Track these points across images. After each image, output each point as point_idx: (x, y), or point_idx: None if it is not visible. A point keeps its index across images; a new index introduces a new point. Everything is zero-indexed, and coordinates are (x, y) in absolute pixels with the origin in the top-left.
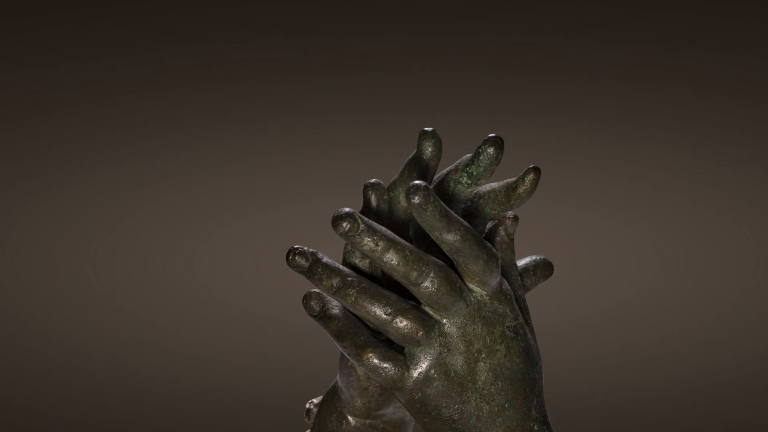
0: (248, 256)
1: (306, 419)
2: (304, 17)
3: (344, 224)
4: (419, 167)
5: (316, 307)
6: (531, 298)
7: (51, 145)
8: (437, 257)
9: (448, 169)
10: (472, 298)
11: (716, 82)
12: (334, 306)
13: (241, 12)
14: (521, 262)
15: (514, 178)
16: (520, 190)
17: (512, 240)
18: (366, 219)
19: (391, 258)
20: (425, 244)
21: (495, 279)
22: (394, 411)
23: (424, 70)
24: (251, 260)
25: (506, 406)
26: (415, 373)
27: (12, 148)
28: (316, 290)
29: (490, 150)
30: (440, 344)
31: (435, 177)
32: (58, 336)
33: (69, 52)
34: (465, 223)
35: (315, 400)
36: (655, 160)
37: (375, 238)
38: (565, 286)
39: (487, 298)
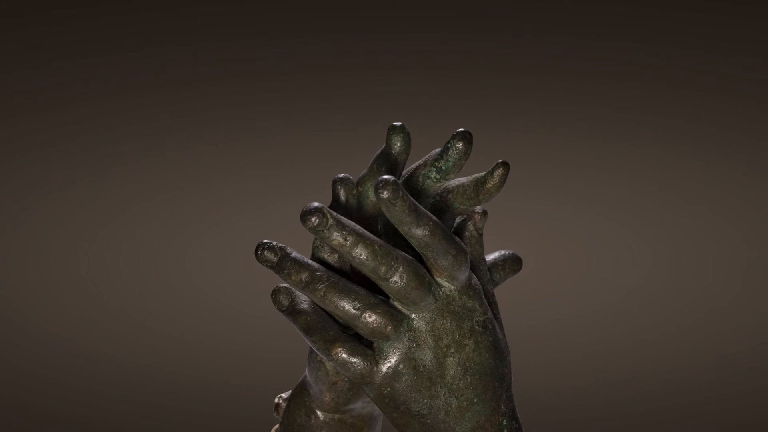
0: (240, 254)
1: (275, 414)
2: (283, 15)
3: (313, 219)
4: (388, 162)
5: (285, 302)
6: (524, 296)
7: (41, 145)
8: (406, 252)
9: (417, 163)
10: (440, 293)
11: (710, 80)
12: (303, 301)
13: (229, 10)
14: (490, 257)
15: (482, 173)
16: (489, 184)
17: (481, 235)
18: (335, 214)
19: (360, 253)
20: (394, 238)
21: (464, 274)
22: (362, 406)
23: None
24: (243, 259)
25: (475, 400)
26: (384, 368)
27: (2, 147)
28: (285, 285)
29: (459, 145)
30: (409, 339)
31: (404, 172)
32: (50, 335)
33: (61, 52)
34: (434, 217)
35: (284, 395)
36: (649, 159)
37: (344, 232)
38: (559, 284)
39: (456, 292)
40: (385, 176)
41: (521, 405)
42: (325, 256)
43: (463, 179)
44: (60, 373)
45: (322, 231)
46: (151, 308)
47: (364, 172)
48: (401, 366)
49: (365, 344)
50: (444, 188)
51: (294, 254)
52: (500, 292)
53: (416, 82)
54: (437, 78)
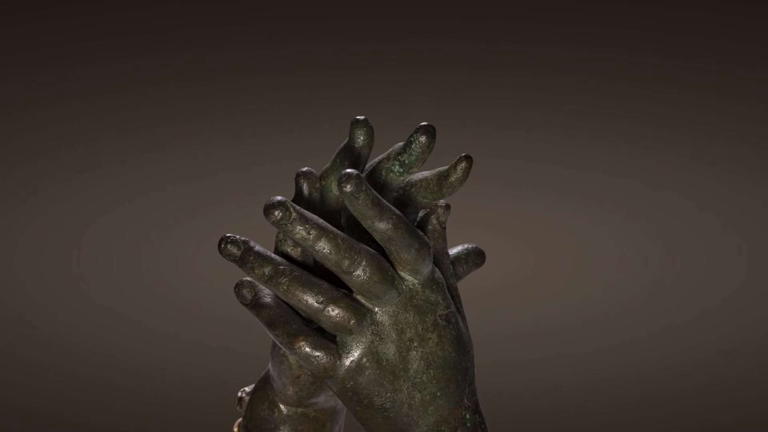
0: None
1: (238, 407)
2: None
3: (276, 212)
4: (351, 156)
5: (248, 296)
6: (512, 294)
7: (30, 144)
8: (369, 246)
9: (380, 157)
10: (404, 287)
11: (700, 78)
12: (266, 294)
13: (229, 9)
14: (453, 251)
15: (446, 167)
16: (452, 178)
17: (444, 228)
18: (298, 207)
19: (323, 246)
20: (357, 232)
21: (427, 267)
22: (326, 399)
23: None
24: None
25: (438, 394)
26: (347, 362)
27: None
28: (248, 279)
29: (422, 138)
30: (372, 333)
31: (367, 165)
32: (42, 334)
33: (54, 50)
34: (397, 211)
35: (247, 389)
36: (640, 158)
37: (307, 226)
38: (549, 284)
39: (419, 286)
40: (348, 170)
41: (510, 403)
42: (289, 249)
43: (426, 173)
44: (52, 372)
45: (285, 225)
46: (142, 307)
47: (327, 165)
48: (364, 360)
49: (328, 338)
50: (407, 182)
51: (257, 248)
52: (489, 291)
53: (382, 78)
54: (407, 75)
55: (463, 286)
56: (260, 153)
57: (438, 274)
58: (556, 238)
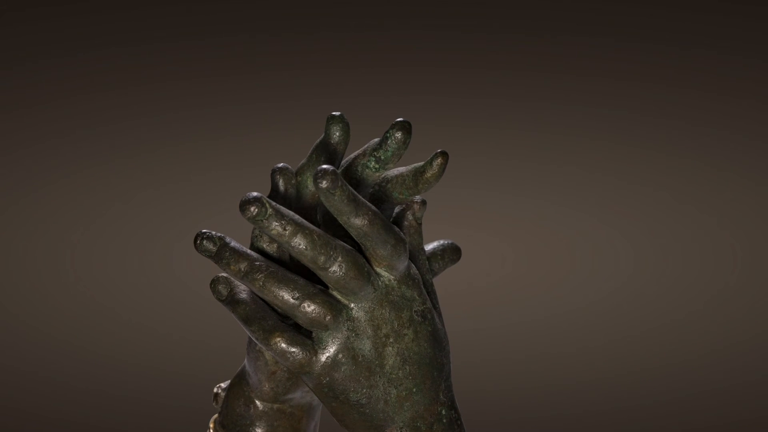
0: None
1: (214, 404)
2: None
3: (252, 209)
4: (327, 152)
5: (224, 292)
6: (507, 294)
7: (25, 143)
8: (345, 242)
9: (355, 153)
10: (379, 283)
11: (699, 78)
12: (242, 291)
13: (220, 7)
14: (429, 247)
15: (421, 163)
16: (428, 174)
17: (420, 224)
18: (274, 203)
19: (299, 242)
20: (333, 228)
21: (403, 263)
22: (302, 395)
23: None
24: None
25: (414, 390)
26: (323, 358)
27: None
28: (224, 275)
29: (398, 134)
30: (348, 329)
31: (343, 161)
32: (38, 333)
33: (49, 48)
34: (373, 207)
35: (223, 385)
36: (634, 157)
37: (283, 222)
38: (542, 283)
39: (395, 282)
40: (324, 166)
41: (506, 402)
42: (264, 245)
43: (402, 169)
44: (48, 372)
45: (261, 221)
46: (138, 306)
47: (303, 161)
48: (340, 356)
49: (304, 334)
50: (383, 178)
51: (233, 244)
52: (483, 291)
53: (370, 78)
54: (403, 75)
55: (457, 286)
56: (255, 152)
57: (414, 270)
58: (551, 237)
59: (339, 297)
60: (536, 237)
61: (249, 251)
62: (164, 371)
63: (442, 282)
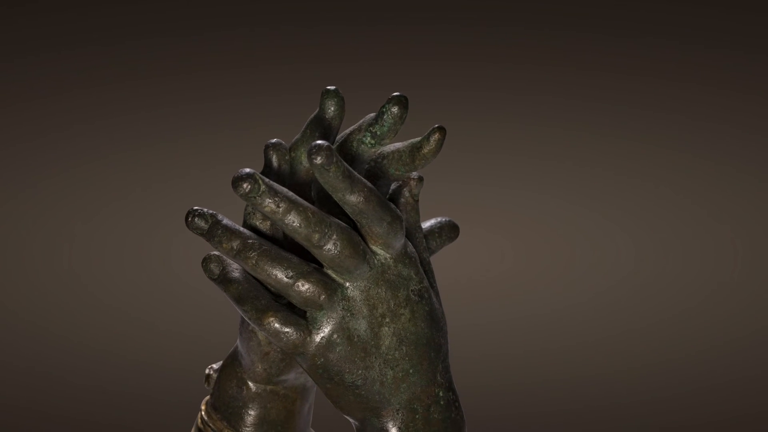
0: None
1: (205, 385)
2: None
3: (245, 185)
4: (321, 127)
5: (216, 270)
6: (507, 289)
7: (22, 137)
8: (340, 219)
9: (351, 128)
10: (375, 261)
11: (702, 73)
12: (235, 269)
13: (215, 1)
14: (426, 224)
15: (418, 138)
16: (425, 150)
17: (417, 201)
18: (267, 180)
19: (293, 220)
20: (328, 205)
21: (399, 241)
22: (295, 377)
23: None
24: None
25: (411, 371)
26: (317, 338)
27: None
28: (216, 253)
29: (394, 109)
30: (343, 308)
31: (338, 137)
32: (35, 328)
33: (45, 42)
34: (368, 184)
35: (215, 366)
36: (635, 152)
37: (276, 199)
38: (543, 277)
39: (391, 260)
40: (319, 141)
41: (505, 397)
42: (257, 223)
43: (398, 144)
44: (45, 367)
45: (254, 197)
46: (136, 301)
47: (297, 137)
48: (335, 336)
49: (298, 314)
50: (379, 154)
51: (225, 221)
52: (482, 285)
53: (371, 72)
54: (403, 68)
55: (456, 281)
56: (255, 147)
57: (410, 248)
58: (551, 232)
59: (334, 276)
60: (536, 232)
61: (241, 229)
62: (163, 367)
63: (440, 277)
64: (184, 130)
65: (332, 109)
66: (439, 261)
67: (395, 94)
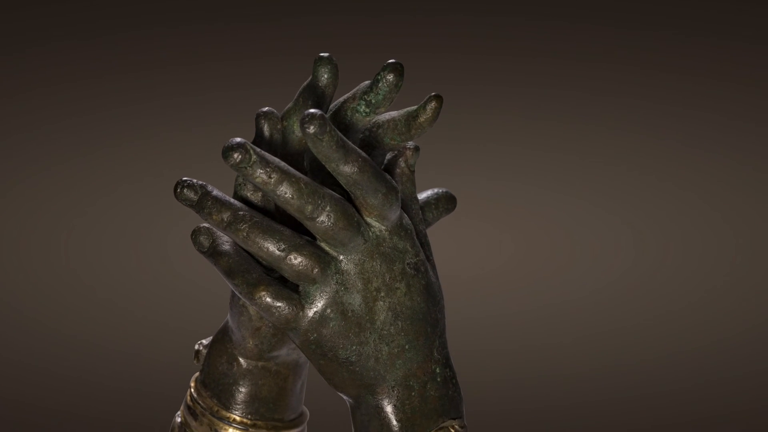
0: None
1: (195, 361)
2: None
3: (235, 155)
4: (314, 95)
5: (206, 243)
6: (506, 282)
7: (18, 129)
8: (334, 190)
9: (345, 96)
10: (370, 234)
11: (705, 66)
12: (225, 242)
13: None
14: (422, 196)
15: (414, 107)
16: (422, 119)
17: (413, 172)
18: (258, 150)
19: (285, 191)
20: (321, 176)
21: (395, 213)
22: (288, 353)
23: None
24: None
25: (407, 347)
26: (311, 313)
27: None
28: (206, 225)
29: (390, 77)
30: (337, 282)
31: (331, 105)
32: (30, 322)
33: (37, 35)
34: (363, 153)
35: (204, 341)
36: (635, 145)
37: (268, 169)
38: (542, 271)
39: (387, 233)
40: (312, 110)
41: (504, 392)
42: (248, 194)
43: (393, 113)
44: (42, 362)
45: (245, 168)
46: (133, 294)
47: (289, 105)
48: (328, 311)
49: (290, 288)
50: (374, 123)
51: (215, 192)
52: (480, 279)
53: (368, 65)
54: (404, 60)
55: (457, 274)
56: (252, 139)
57: (406, 220)
58: (551, 225)
59: (327, 249)
60: (535, 225)
61: (232, 200)
62: (160, 361)
63: (438, 270)
64: (181, 123)
65: (325, 76)
66: (437, 255)
67: (390, 61)
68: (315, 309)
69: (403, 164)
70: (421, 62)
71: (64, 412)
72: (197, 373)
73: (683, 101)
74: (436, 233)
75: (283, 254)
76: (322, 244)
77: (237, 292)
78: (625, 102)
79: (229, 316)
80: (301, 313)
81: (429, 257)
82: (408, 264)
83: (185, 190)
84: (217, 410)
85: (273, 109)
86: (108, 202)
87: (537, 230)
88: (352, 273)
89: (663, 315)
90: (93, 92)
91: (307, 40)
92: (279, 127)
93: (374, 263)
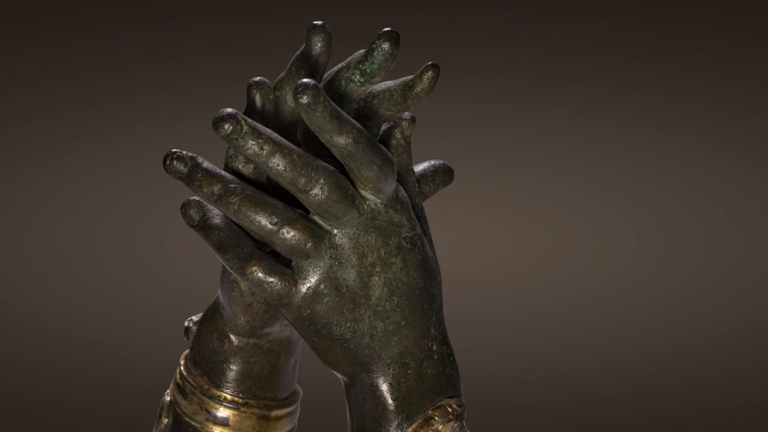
0: None
1: (185, 338)
2: None
3: (226, 126)
4: (308, 64)
5: (196, 216)
6: (507, 277)
7: (14, 123)
8: (327, 162)
9: (339, 66)
10: (365, 207)
11: (707, 58)
12: (216, 215)
13: None
14: (419, 168)
15: (411, 76)
16: (418, 89)
17: (409, 143)
18: (250, 120)
19: (278, 163)
20: (314, 147)
21: (390, 185)
22: (280, 329)
23: None
24: None
25: (402, 324)
26: (304, 288)
27: None
28: (196, 198)
29: (385, 45)
30: (330, 257)
31: (325, 75)
32: (27, 316)
33: (28, 29)
34: (357, 124)
35: (194, 318)
36: (636, 138)
37: (260, 141)
38: (543, 266)
39: (382, 206)
40: (305, 80)
41: (503, 386)
42: (240, 166)
43: (389, 83)
44: (37, 357)
45: (236, 139)
46: (129, 289)
47: (281, 75)
48: (322, 286)
49: (283, 263)
50: (369, 93)
51: (205, 164)
52: (480, 274)
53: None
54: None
55: (457, 269)
56: None
57: (402, 192)
58: (552, 220)
59: (321, 222)
60: (535, 220)
61: (223, 173)
62: (156, 355)
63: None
64: (175, 117)
65: (319, 45)
66: (437, 251)
67: (386, 29)
68: (308, 284)
69: (399, 135)
70: (421, 56)
71: (61, 407)
72: (187, 351)
73: (684, 94)
74: (436, 229)
75: (275, 228)
76: (316, 218)
77: (228, 267)
78: (625, 95)
79: (219, 291)
80: (293, 289)
81: (425, 231)
82: (404, 238)
83: (174, 162)
84: (208, 389)
85: (265, 79)
86: (102, 197)
87: (537, 225)
88: (346, 247)
89: (664, 310)
90: (85, 87)
91: (305, 33)
92: (271, 97)
93: (369, 237)
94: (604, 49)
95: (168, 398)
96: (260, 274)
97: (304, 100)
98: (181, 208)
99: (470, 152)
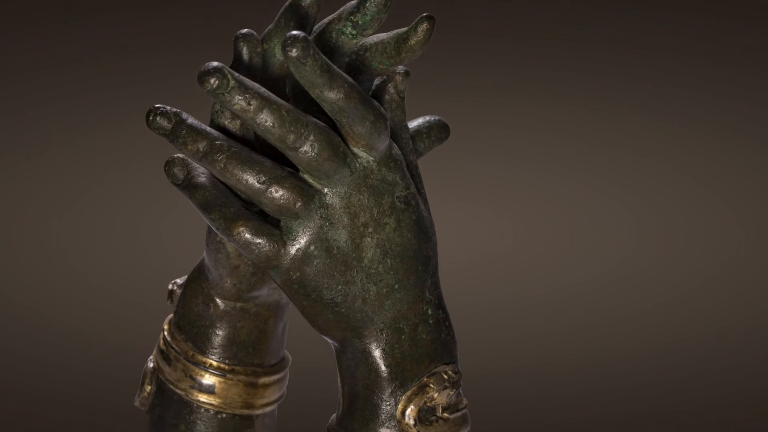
0: None
1: (168, 302)
2: None
3: (212, 80)
4: (297, 16)
5: (180, 175)
6: (506, 268)
7: (8, 113)
8: (318, 118)
9: (330, 17)
10: (357, 165)
11: (709, 48)
12: (201, 173)
13: None
14: (413, 124)
15: (404, 29)
16: (412, 41)
17: (403, 98)
18: (237, 74)
19: (266, 118)
20: (304, 103)
21: (383, 142)
22: (268, 293)
23: None
24: None
25: (396, 287)
26: (293, 250)
27: None
28: (181, 156)
29: None
30: (321, 217)
31: (315, 27)
32: (21, 308)
33: (21, 18)
34: (349, 79)
35: (179, 281)
36: (637, 129)
37: (247, 95)
38: (543, 257)
39: (375, 164)
40: (294, 32)
41: (502, 378)
42: (226, 122)
43: (382, 35)
44: (33, 349)
45: (223, 94)
46: (126, 281)
47: (270, 27)
48: (312, 247)
49: (271, 223)
50: (361, 46)
51: (190, 120)
52: (480, 265)
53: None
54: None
55: (456, 260)
56: None
57: (396, 150)
58: (552, 211)
59: (311, 181)
60: (536, 211)
61: (208, 129)
62: (152, 349)
63: (439, 259)
64: (176, 105)
65: None
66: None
67: None
68: (297, 246)
69: (392, 90)
70: (416, 9)
71: (57, 399)
72: (171, 315)
73: (684, 84)
74: (435, 221)
75: (263, 187)
76: (305, 176)
77: (214, 228)
78: (625, 85)
79: (205, 253)
80: (282, 250)
81: (420, 190)
82: (397, 197)
83: (158, 118)
84: (193, 354)
85: (252, 32)
86: (99, 188)
87: (537, 216)
88: (337, 207)
89: (664, 302)
90: (81, 77)
91: None
92: (259, 50)
93: (361, 196)
94: (605, 39)
95: (151, 365)
96: (247, 235)
97: (294, 53)
98: (165, 166)
99: (470, 143)
